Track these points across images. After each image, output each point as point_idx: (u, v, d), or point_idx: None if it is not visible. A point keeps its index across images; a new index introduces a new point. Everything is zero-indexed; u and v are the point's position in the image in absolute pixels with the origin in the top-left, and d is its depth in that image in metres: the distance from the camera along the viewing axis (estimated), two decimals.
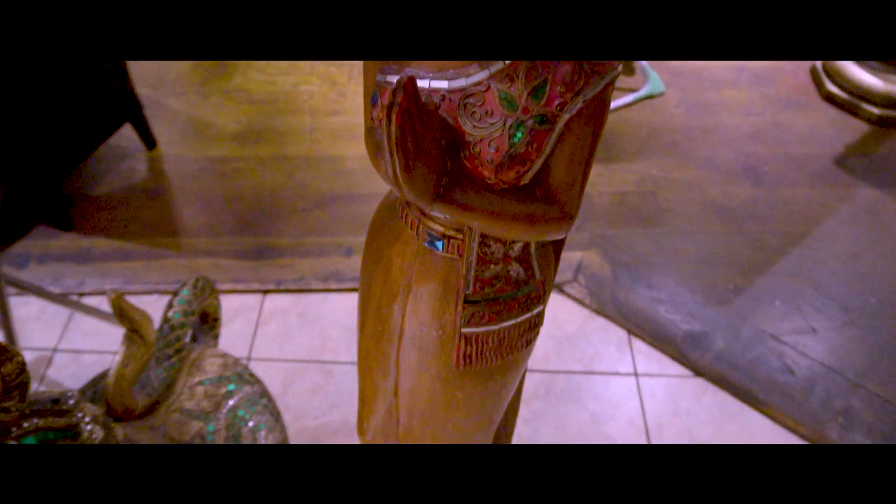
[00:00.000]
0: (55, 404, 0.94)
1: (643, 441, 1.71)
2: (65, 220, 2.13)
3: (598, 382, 1.84)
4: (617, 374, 1.85)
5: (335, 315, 1.93)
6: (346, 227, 2.12)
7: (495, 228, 0.73)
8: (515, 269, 0.82)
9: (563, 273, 2.06)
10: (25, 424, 0.88)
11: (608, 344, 1.92)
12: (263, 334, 1.89)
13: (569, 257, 2.09)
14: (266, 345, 1.86)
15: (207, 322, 1.50)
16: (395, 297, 0.87)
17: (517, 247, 0.81)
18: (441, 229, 0.80)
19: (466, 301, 0.82)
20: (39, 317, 1.92)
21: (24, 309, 1.92)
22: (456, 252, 0.80)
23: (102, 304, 1.89)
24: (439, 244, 0.80)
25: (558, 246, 0.88)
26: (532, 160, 0.70)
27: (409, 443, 1.03)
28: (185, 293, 1.40)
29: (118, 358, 1.17)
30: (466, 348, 0.86)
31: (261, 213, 2.20)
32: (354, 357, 1.83)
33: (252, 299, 1.97)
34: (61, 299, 1.74)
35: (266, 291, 1.99)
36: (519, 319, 0.87)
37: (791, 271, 2.10)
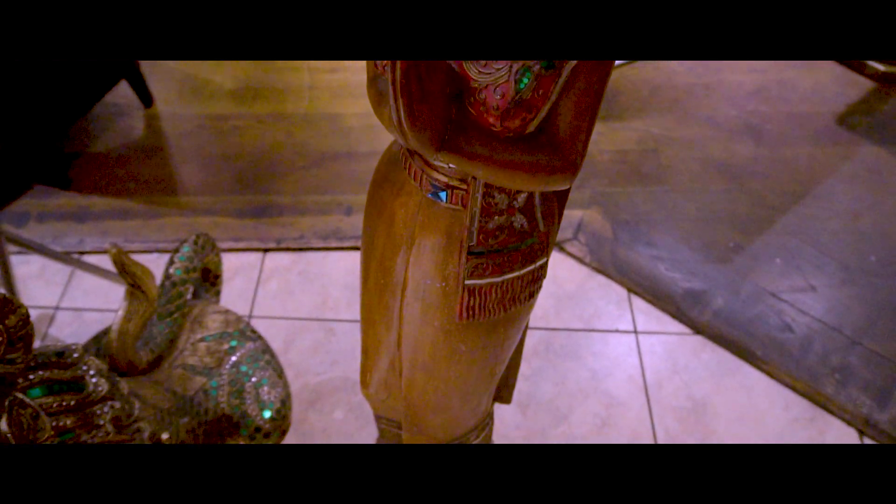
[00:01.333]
0: (60, 357, 0.95)
1: (642, 397, 1.73)
2: (63, 178, 2.11)
3: (597, 340, 1.85)
4: (616, 331, 1.86)
5: (336, 273, 1.94)
6: (347, 186, 2.11)
7: (500, 177, 0.73)
8: (519, 221, 0.82)
9: (564, 231, 2.06)
10: (31, 376, 0.88)
11: (608, 302, 1.93)
12: (264, 292, 1.89)
13: (569, 215, 2.09)
14: (267, 303, 1.87)
15: (209, 279, 1.50)
16: (398, 250, 0.87)
17: (521, 197, 0.80)
18: (445, 180, 0.79)
19: (470, 253, 0.82)
20: (40, 275, 1.92)
21: (24, 268, 1.91)
22: (460, 203, 0.80)
23: (103, 262, 1.89)
24: (443, 195, 0.80)
25: (562, 198, 0.87)
26: (538, 107, 0.69)
27: (412, 395, 1.03)
28: (187, 250, 1.40)
29: (121, 313, 1.18)
30: (470, 300, 0.86)
31: (260, 171, 2.18)
32: (355, 315, 1.84)
33: (252, 257, 1.97)
34: (62, 257, 1.74)
35: (266, 250, 1.98)
36: (522, 272, 0.87)
37: (791, 229, 2.10)
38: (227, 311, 1.45)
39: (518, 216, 0.81)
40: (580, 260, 2.00)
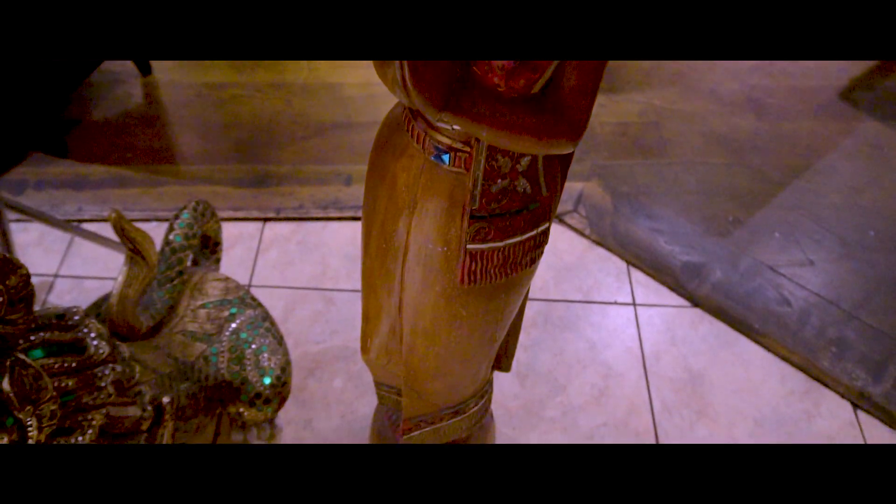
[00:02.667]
0: (61, 319, 0.95)
1: (640, 369, 1.74)
2: (61, 146, 2.10)
3: (596, 311, 1.85)
4: (615, 303, 1.87)
5: (335, 243, 1.93)
6: (346, 156, 2.10)
7: (504, 139, 0.72)
8: (522, 185, 0.81)
9: (564, 203, 2.05)
10: (32, 338, 0.88)
11: (607, 274, 1.93)
12: (264, 262, 1.89)
13: (569, 187, 2.08)
14: (266, 272, 1.87)
15: (209, 246, 1.50)
16: (400, 213, 0.87)
17: (525, 161, 0.80)
18: (448, 142, 0.78)
19: (472, 216, 0.82)
20: (39, 242, 1.91)
21: (23, 235, 1.91)
22: (463, 166, 0.79)
23: (101, 230, 1.88)
24: (446, 157, 0.79)
25: (566, 162, 0.87)
26: (543, 68, 0.69)
27: (412, 361, 1.04)
28: (186, 216, 1.40)
29: (121, 278, 1.17)
30: (472, 265, 0.86)
31: (259, 140, 2.17)
32: (354, 285, 1.84)
33: (252, 227, 1.96)
34: (62, 224, 1.73)
35: (266, 219, 1.98)
36: (524, 236, 0.86)
37: (791, 204, 2.10)
38: (227, 279, 1.45)
39: (521, 180, 0.81)
40: (580, 232, 2.00)
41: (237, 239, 1.92)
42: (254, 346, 1.36)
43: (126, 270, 1.16)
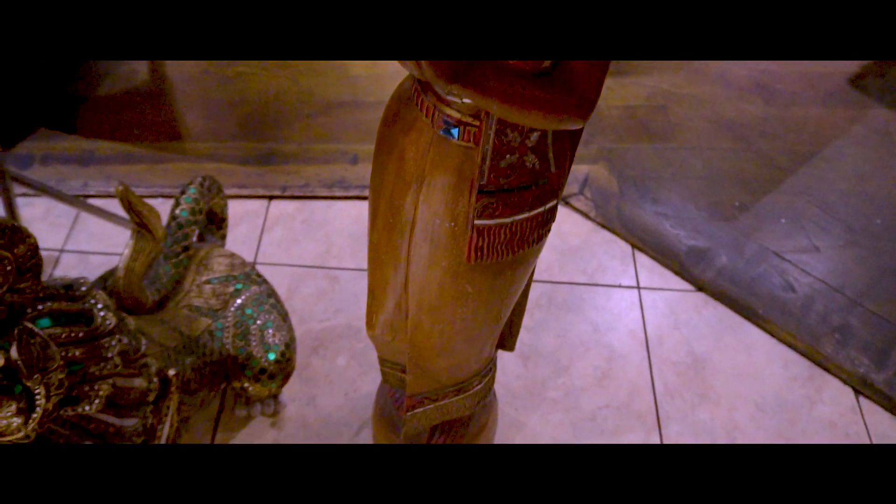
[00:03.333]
0: (68, 290, 0.95)
1: (643, 352, 1.74)
2: (68, 122, 2.10)
3: (600, 294, 1.85)
4: (619, 286, 1.87)
5: (340, 222, 1.93)
6: (352, 135, 2.10)
7: (514, 113, 0.72)
8: (531, 160, 0.81)
9: (570, 186, 2.05)
10: (40, 307, 0.88)
11: (612, 257, 1.93)
12: (269, 240, 1.90)
13: (575, 170, 2.08)
14: (271, 250, 1.87)
15: (215, 222, 1.50)
16: (408, 188, 0.87)
17: (534, 136, 0.80)
18: (457, 116, 0.78)
19: (481, 192, 0.82)
20: (45, 217, 1.91)
21: (29, 210, 1.91)
22: (472, 140, 0.79)
23: (107, 206, 1.88)
24: (455, 131, 0.79)
25: (575, 140, 0.87)
26: None
27: (417, 337, 1.04)
28: (193, 191, 1.40)
29: (127, 251, 1.18)
30: (479, 241, 0.86)
31: (265, 118, 2.16)
32: (359, 264, 1.85)
33: (257, 204, 1.96)
34: (69, 198, 1.73)
35: (271, 197, 1.98)
36: (532, 213, 0.86)
37: (798, 190, 2.09)
38: (232, 255, 1.45)
39: (530, 155, 0.81)
40: (585, 215, 2.00)
41: (242, 216, 1.92)
42: (259, 322, 1.37)
43: (132, 244, 1.16)
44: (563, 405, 1.65)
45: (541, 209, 0.87)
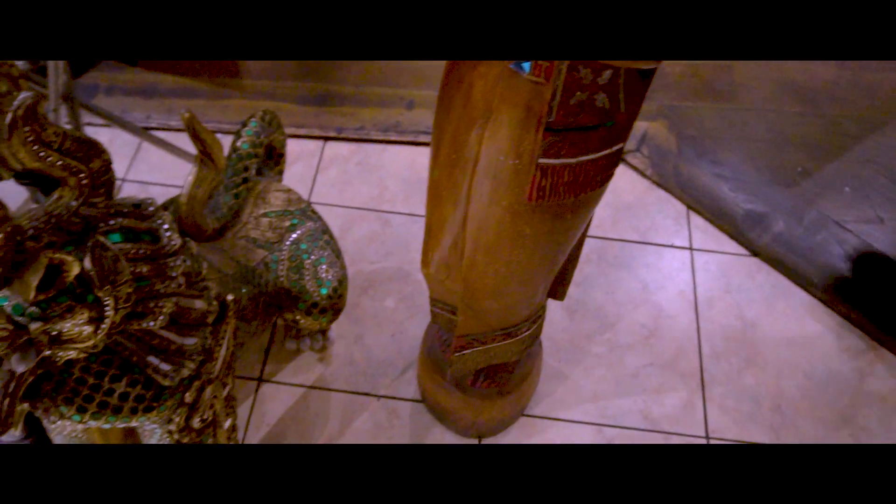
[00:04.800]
0: (137, 208, 0.98)
1: (692, 313, 1.73)
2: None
3: (651, 253, 1.83)
4: (672, 246, 1.85)
5: (394, 166, 1.94)
6: (410, 80, 2.08)
7: None
8: (601, 99, 0.80)
9: (627, 143, 2.01)
10: (111, 222, 0.91)
11: (666, 216, 1.90)
12: (323, 180, 1.91)
13: (634, 126, 2.03)
14: (325, 190, 1.89)
15: (272, 157, 1.52)
16: (473, 123, 0.86)
17: (606, 74, 0.78)
18: None
19: (548, 129, 0.81)
20: (108, 147, 1.94)
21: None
22: (542, 75, 0.78)
23: (167, 139, 1.92)
24: (526, 66, 0.78)
25: (647, 81, 0.85)
26: None
27: (471, 277, 1.05)
28: (254, 125, 1.41)
29: (190, 178, 1.20)
30: (542, 180, 0.85)
31: (323, 60, 2.16)
32: (411, 209, 1.85)
33: (312, 145, 1.98)
34: (135, 128, 1.77)
35: (326, 138, 1.99)
36: (597, 155, 0.85)
37: (865, 158, 2.01)
38: (289, 190, 1.47)
39: (601, 94, 0.79)
40: (641, 172, 1.97)
41: (298, 156, 1.94)
42: (313, 258, 1.39)
43: (196, 171, 1.18)
44: (606, 360, 1.65)
45: (606, 151, 0.86)
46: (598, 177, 0.89)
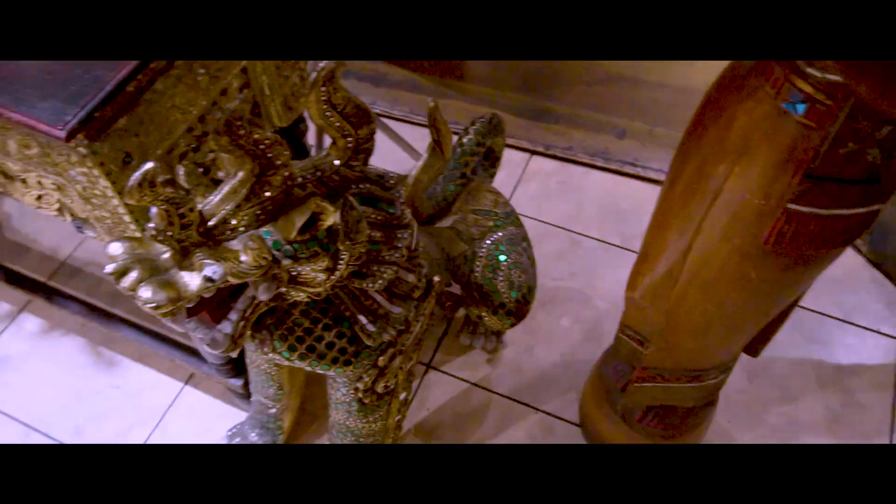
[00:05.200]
0: (380, 178, 1.07)
1: (887, 408, 1.58)
2: None
3: (852, 334, 1.71)
4: (877, 332, 1.71)
5: (594, 191, 1.95)
6: (625, 109, 2.08)
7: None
8: (873, 154, 0.76)
9: None
10: (361, 186, 1.00)
11: (876, 300, 1.76)
12: (523, 190, 1.96)
13: None
14: (523, 201, 1.93)
15: (489, 159, 1.58)
16: (726, 156, 0.85)
17: (886, 129, 0.75)
18: (810, 91, 0.75)
19: (806, 175, 0.79)
20: None
21: None
22: (814, 120, 0.76)
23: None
24: (801, 107, 0.76)
25: None
26: None
27: (678, 311, 1.03)
28: (481, 124, 1.49)
29: (420, 163, 1.28)
30: (784, 225, 0.83)
31: (545, 77, 2.21)
32: (603, 236, 1.85)
33: (518, 156, 2.03)
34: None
35: (534, 152, 2.04)
36: (851, 211, 0.82)
37: None
38: (498, 193, 1.52)
39: (874, 149, 0.76)
40: (856, 247, 1.84)
41: (504, 164, 1.97)
42: (510, 261, 1.43)
43: (426, 157, 1.26)
44: (782, 434, 1.56)
45: (861, 210, 0.82)
46: (844, 235, 0.85)
